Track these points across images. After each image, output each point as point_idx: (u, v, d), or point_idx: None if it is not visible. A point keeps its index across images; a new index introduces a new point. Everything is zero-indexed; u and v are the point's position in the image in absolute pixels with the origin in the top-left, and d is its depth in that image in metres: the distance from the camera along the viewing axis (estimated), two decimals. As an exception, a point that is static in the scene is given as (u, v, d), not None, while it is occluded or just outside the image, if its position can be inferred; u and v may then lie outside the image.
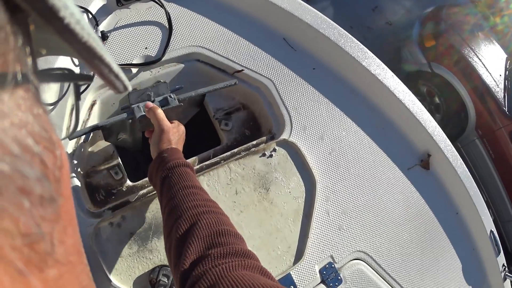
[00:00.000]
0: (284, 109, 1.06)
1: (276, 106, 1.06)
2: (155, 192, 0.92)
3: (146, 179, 0.96)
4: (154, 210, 0.89)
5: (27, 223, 0.14)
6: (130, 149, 1.11)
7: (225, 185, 0.94)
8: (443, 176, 1.16)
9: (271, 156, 1.00)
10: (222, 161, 0.98)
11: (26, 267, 0.13)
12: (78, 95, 0.39)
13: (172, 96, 0.91)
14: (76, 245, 0.19)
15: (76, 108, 0.73)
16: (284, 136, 1.03)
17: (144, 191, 0.93)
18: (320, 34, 1.12)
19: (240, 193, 0.95)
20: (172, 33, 1.05)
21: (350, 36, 1.15)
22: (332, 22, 1.15)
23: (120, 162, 0.97)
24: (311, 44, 1.14)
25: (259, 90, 1.08)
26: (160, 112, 0.83)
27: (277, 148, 1.01)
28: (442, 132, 1.16)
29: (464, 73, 2.73)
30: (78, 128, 0.92)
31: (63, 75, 0.28)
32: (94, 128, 0.87)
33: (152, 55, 1.03)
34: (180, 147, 0.83)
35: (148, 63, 1.01)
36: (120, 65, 0.99)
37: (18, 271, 0.13)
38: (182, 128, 0.86)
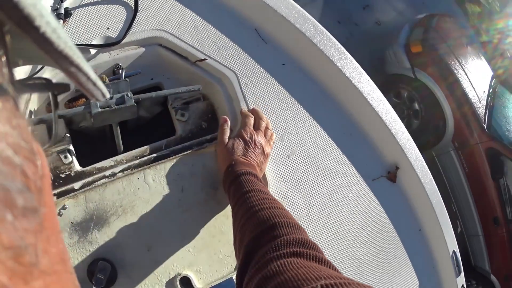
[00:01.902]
0: (244, 104, 1.12)
1: (236, 100, 1.12)
2: (99, 182, 0.99)
3: (96, 165, 1.03)
4: (97, 201, 0.98)
5: (10, 236, 0.14)
6: (90, 134, 1.17)
7: (172, 181, 1.02)
8: (410, 191, 1.24)
9: (224, 155, 1.06)
10: (172, 154, 1.05)
11: (10, 281, 0.14)
12: (56, 105, 0.43)
13: (129, 95, 0.99)
14: (60, 253, 0.20)
15: (54, 117, 0.79)
16: (241, 135, 1.09)
17: (90, 179, 1.00)
18: (294, 28, 1.17)
19: (187, 190, 1.02)
20: (137, 15, 1.10)
21: (327, 34, 1.20)
22: (310, 17, 1.19)
23: (71, 147, 1.03)
24: (284, 38, 1.20)
25: (221, 82, 1.14)
26: (225, 129, 1.05)
27: (231, 147, 1.07)
28: (415, 145, 1.23)
29: (448, 84, 2.95)
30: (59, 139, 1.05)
31: (41, 85, 0.31)
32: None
33: (113, 36, 1.09)
34: (245, 158, 1.00)
35: (107, 45, 1.07)
36: (77, 45, 1.04)
37: (3, 286, 0.14)
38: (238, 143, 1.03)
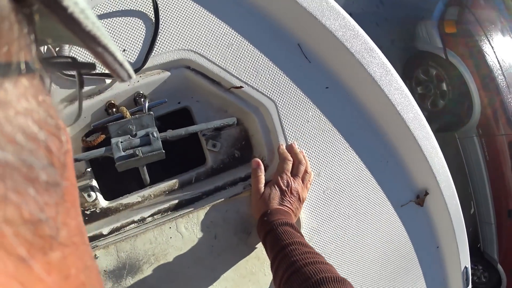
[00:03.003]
0: (282, 138, 1.00)
1: (274, 134, 1.00)
2: (128, 228, 0.92)
3: (122, 201, 0.95)
4: (128, 250, 0.92)
5: (31, 210, 0.15)
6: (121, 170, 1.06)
7: (205, 228, 0.95)
8: (434, 214, 1.20)
9: (258, 196, 0.98)
10: (203, 196, 0.96)
11: (28, 253, 0.15)
12: (81, 84, 0.42)
13: (155, 135, 0.86)
14: (78, 226, 0.20)
15: (80, 97, 0.70)
16: (277, 172, 0.99)
17: (118, 224, 0.92)
18: (343, 46, 0.98)
19: (220, 236, 0.96)
20: (159, 32, 0.90)
21: (377, 51, 1.02)
22: (361, 31, 1.00)
23: (94, 182, 0.93)
24: (330, 57, 1.01)
25: (257, 112, 0.99)
26: (259, 176, 0.96)
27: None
28: (447, 170, 1.15)
29: (479, 70, 2.70)
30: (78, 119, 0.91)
31: (67, 63, 0.30)
32: (74, 161, 0.85)
33: (132, 60, 0.90)
34: (282, 207, 0.93)
35: (127, 74, 0.89)
36: (91, 74, 0.87)
37: (21, 258, 0.14)
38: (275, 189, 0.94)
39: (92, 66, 0.30)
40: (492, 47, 2.68)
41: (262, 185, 0.95)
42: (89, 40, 0.19)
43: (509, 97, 2.70)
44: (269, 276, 1.02)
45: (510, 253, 3.03)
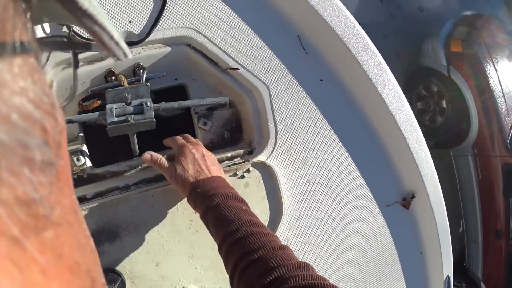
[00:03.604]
0: (272, 123, 1.00)
1: (265, 118, 1.00)
2: (112, 193, 0.92)
3: (109, 168, 0.96)
4: (110, 215, 0.91)
5: (25, 190, 0.15)
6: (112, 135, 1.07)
7: (185, 201, 0.94)
8: (420, 218, 1.18)
9: (242, 177, 0.98)
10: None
11: (22, 233, 0.14)
12: (76, 64, 0.45)
13: (149, 105, 0.86)
14: (72, 204, 0.20)
15: (74, 77, 0.69)
16: (263, 156, 0.99)
17: (102, 189, 0.93)
18: (341, 42, 0.99)
19: (200, 212, 0.95)
20: (165, 9, 0.91)
21: (375, 51, 1.02)
22: (360, 30, 1.00)
23: (84, 148, 0.94)
24: (327, 51, 1.02)
25: (251, 95, 1.00)
26: (157, 160, 0.86)
27: (251, 169, 0.98)
28: (436, 175, 1.14)
29: (480, 90, 2.69)
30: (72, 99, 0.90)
31: (63, 43, 0.30)
32: (68, 122, 0.87)
33: (136, 31, 0.91)
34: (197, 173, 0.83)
35: (129, 43, 0.90)
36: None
37: (14, 239, 0.14)
38: (194, 155, 0.85)
39: (88, 46, 0.29)
40: (496, 70, 2.67)
41: (171, 165, 0.85)
42: (86, 19, 0.19)
43: (508, 120, 2.68)
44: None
45: (494, 272, 3.00)
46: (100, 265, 0.23)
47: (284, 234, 1.03)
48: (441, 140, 3.02)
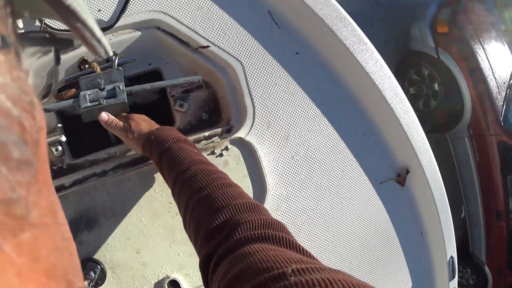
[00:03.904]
0: (248, 98, 0.96)
1: (241, 94, 0.97)
2: (89, 180, 0.90)
3: (88, 157, 0.94)
4: (87, 202, 0.89)
5: (2, 189, 0.14)
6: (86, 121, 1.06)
7: (163, 183, 0.91)
8: (417, 195, 1.10)
9: (220, 155, 0.94)
10: (167, 154, 0.93)
11: None
12: (58, 60, 0.41)
13: (121, 88, 0.86)
14: (50, 206, 0.19)
15: (55, 73, 0.67)
16: (242, 133, 0.96)
17: (80, 176, 0.90)
18: (313, 13, 0.96)
19: (180, 194, 0.92)
20: (131, -8, 0.91)
21: (350, 21, 0.99)
22: (333, 1, 0.97)
23: (63, 138, 0.93)
24: (300, 23, 0.99)
25: (225, 72, 0.97)
26: (112, 120, 0.86)
27: (230, 146, 0.95)
28: (429, 148, 1.07)
29: (469, 69, 2.62)
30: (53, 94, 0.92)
31: (44, 38, 0.28)
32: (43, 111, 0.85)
33: (105, 19, 0.91)
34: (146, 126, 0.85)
35: (97, 29, 0.90)
36: (62, 30, 0.89)
37: None
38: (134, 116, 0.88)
39: (70, 42, 0.30)
40: (483, 48, 2.59)
41: (125, 123, 0.85)
42: (68, 15, 0.19)
43: (499, 97, 2.57)
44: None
45: (497, 254, 2.87)
46: (78, 267, 0.22)
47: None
48: (437, 123, 2.93)
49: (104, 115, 0.86)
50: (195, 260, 0.92)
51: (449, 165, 2.96)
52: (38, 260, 0.16)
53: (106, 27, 0.91)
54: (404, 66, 3.09)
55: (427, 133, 1.09)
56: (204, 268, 0.52)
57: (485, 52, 2.59)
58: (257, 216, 0.54)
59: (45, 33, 0.27)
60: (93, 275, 0.87)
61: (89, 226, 0.89)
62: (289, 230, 0.94)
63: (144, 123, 0.85)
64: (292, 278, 0.35)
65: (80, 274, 0.22)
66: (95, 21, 0.21)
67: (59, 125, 0.95)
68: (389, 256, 1.12)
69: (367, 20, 3.07)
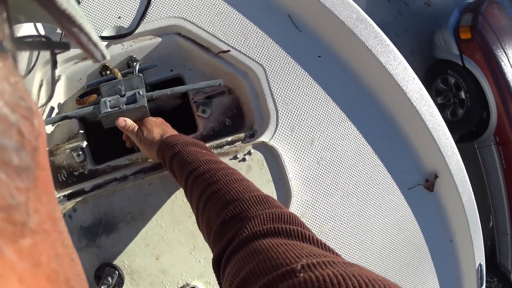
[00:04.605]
0: (271, 102, 0.93)
1: (263, 98, 0.93)
2: (110, 185, 0.86)
3: (110, 163, 0.91)
4: (106, 205, 0.85)
5: (2, 195, 0.13)
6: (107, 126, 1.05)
7: (186, 189, 0.86)
8: (446, 201, 1.02)
9: (243, 160, 0.90)
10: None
11: (0, 239, 0.13)
12: (54, 64, 0.43)
13: (141, 93, 0.83)
14: (50, 212, 0.18)
15: (53, 77, 0.67)
16: (265, 137, 0.91)
17: (101, 180, 0.87)
18: (333, 16, 0.93)
19: (201, 199, 0.87)
20: (152, 1, 0.90)
21: (371, 23, 0.95)
22: (352, 3, 0.94)
23: (84, 144, 0.91)
24: (321, 26, 0.96)
25: (246, 76, 0.94)
26: (130, 126, 0.84)
27: (253, 151, 0.90)
28: (457, 152, 1.00)
29: (494, 75, 2.51)
30: (52, 100, 0.90)
31: (41, 43, 0.27)
32: (64, 118, 0.84)
33: (126, 26, 0.90)
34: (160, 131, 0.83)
35: (118, 36, 0.90)
36: (103, 38, 0.89)
37: None
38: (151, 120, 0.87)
39: (66, 46, 0.28)
40: (505, 52, 2.50)
41: (138, 130, 0.84)
42: (64, 19, 0.18)
43: None
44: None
45: None
46: (81, 274, 0.21)
47: (296, 223, 0.92)
48: (465, 132, 2.80)
49: (122, 120, 0.83)
50: (217, 268, 0.86)
51: (477, 174, 2.83)
52: (39, 266, 0.16)
53: (126, 33, 0.90)
54: (430, 76, 2.99)
55: (456, 143, 1.03)
56: (216, 266, 0.50)
57: (507, 56, 2.51)
58: (267, 209, 0.51)
59: (42, 37, 0.29)
60: (110, 280, 0.81)
61: (108, 230, 0.84)
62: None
63: (157, 128, 0.82)
64: (302, 274, 0.32)
65: (84, 282, 0.21)
66: (91, 25, 0.21)
67: (81, 131, 0.93)
68: (418, 264, 1.03)
69: (392, 30, 3.02)
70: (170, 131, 0.84)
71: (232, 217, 0.51)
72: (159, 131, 0.82)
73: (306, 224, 0.88)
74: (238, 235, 0.47)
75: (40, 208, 0.17)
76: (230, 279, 0.42)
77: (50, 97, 0.89)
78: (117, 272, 0.81)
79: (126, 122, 0.84)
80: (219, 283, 0.50)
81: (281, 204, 0.55)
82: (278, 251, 0.38)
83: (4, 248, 0.13)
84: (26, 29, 0.84)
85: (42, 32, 0.88)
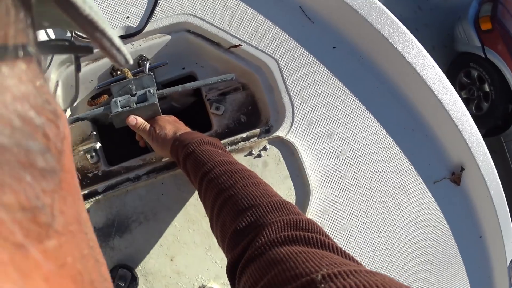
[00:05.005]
0: (286, 96, 0.88)
1: (277, 92, 0.89)
2: (122, 185, 0.83)
3: (124, 164, 0.88)
4: (118, 206, 0.81)
5: (28, 197, 0.13)
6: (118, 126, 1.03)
7: (200, 187, 0.82)
8: (473, 194, 0.95)
9: (259, 156, 0.85)
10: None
11: (26, 240, 0.13)
12: (78, 67, 0.40)
13: (152, 91, 0.80)
14: (76, 214, 0.18)
15: (76, 81, 0.66)
16: (281, 132, 0.87)
17: (113, 181, 0.83)
18: (346, 4, 0.89)
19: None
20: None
21: (385, 10, 0.90)
22: (365, -10, 0.90)
23: (98, 146, 0.88)
24: (334, 16, 0.92)
25: (260, 71, 0.90)
26: (140, 124, 0.81)
27: (268, 146, 0.85)
28: (483, 142, 0.93)
29: None
30: (76, 101, 0.91)
31: (64, 47, 0.28)
32: (76, 120, 0.82)
33: (134, 25, 0.88)
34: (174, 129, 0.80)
35: (126, 36, 0.88)
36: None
37: (17, 245, 0.13)
38: (164, 118, 0.84)
39: (89, 49, 0.28)
40: None
41: (150, 127, 0.81)
42: (87, 25, 0.18)
43: None
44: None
45: None
46: (107, 276, 0.21)
47: (316, 221, 0.86)
48: (491, 126, 2.67)
49: (132, 118, 0.80)
50: (235, 269, 0.81)
51: (506, 169, 2.69)
52: (65, 267, 0.16)
53: (135, 33, 0.88)
54: (453, 70, 2.88)
55: (482, 137, 0.97)
56: (231, 274, 0.49)
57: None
58: (284, 216, 0.48)
59: (65, 41, 0.26)
60: (124, 282, 0.78)
61: (121, 231, 0.80)
62: (338, 236, 0.82)
63: (169, 125, 0.79)
64: (323, 286, 0.31)
65: (109, 283, 0.21)
66: (113, 31, 0.21)
67: (94, 132, 0.90)
68: (447, 262, 0.95)
69: (413, 25, 2.93)
70: (183, 128, 0.80)
71: (248, 224, 0.49)
72: (172, 128, 0.78)
73: (328, 221, 0.82)
74: (254, 242, 0.45)
75: (66, 209, 0.17)
76: None
77: (74, 99, 0.88)
78: (131, 273, 0.77)
79: (137, 120, 0.80)
80: None
81: (300, 211, 0.52)
82: (298, 260, 0.36)
83: (30, 248, 0.13)
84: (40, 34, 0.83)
85: (52, 36, 0.87)
